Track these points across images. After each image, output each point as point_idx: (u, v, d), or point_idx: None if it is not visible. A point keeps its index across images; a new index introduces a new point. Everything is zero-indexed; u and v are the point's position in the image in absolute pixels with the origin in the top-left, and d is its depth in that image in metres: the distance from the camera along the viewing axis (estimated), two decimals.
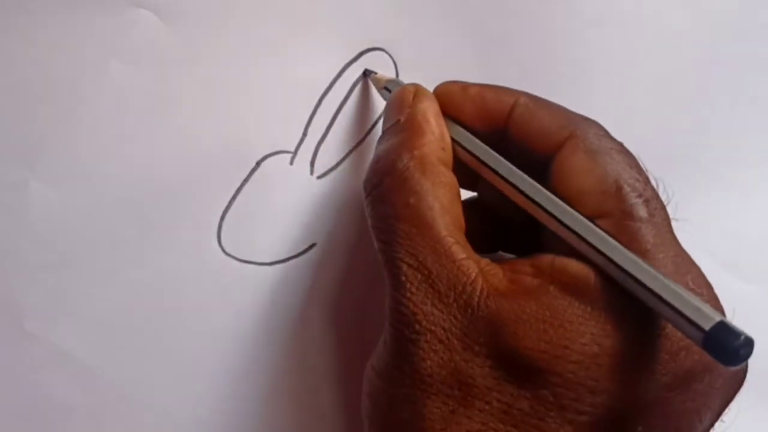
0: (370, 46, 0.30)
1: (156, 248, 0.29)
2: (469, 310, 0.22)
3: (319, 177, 0.31)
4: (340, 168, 0.31)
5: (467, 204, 0.27)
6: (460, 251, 0.23)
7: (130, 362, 0.29)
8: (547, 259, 0.23)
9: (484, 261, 0.24)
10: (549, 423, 0.22)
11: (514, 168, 0.25)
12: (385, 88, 0.29)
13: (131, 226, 0.29)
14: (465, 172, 0.26)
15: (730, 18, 0.34)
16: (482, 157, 0.26)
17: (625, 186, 0.24)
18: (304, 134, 0.30)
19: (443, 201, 0.24)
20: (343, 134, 0.31)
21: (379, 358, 0.24)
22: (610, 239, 0.22)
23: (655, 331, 0.22)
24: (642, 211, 0.23)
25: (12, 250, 0.28)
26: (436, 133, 0.26)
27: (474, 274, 0.23)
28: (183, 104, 0.28)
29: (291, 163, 0.30)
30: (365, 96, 0.30)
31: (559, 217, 0.23)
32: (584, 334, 0.22)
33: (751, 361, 0.20)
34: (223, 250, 0.30)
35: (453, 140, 0.26)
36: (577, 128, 0.25)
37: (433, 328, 0.23)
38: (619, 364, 0.22)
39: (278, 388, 0.31)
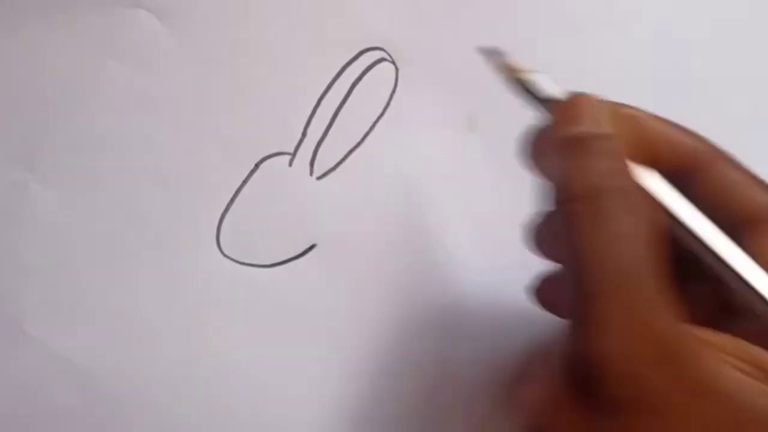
0: (370, 45, 0.30)
1: (155, 250, 0.29)
2: (697, 391, 0.19)
3: (318, 178, 0.30)
4: (340, 169, 0.31)
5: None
6: (670, 313, 0.20)
7: (129, 365, 0.29)
8: None
9: (698, 329, 0.20)
10: None
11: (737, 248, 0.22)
12: (518, 79, 0.25)
13: (130, 227, 0.29)
14: None
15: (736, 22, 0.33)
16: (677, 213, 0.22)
17: None
18: (304, 135, 0.30)
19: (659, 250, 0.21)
20: (343, 135, 0.30)
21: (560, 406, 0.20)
22: None
23: None
24: None
25: (11, 252, 0.28)
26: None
27: (696, 345, 0.19)
28: (181, 105, 0.29)
29: (290, 164, 0.30)
30: (365, 96, 0.30)
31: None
32: None
33: None
34: (222, 252, 0.30)
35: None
36: (715, 147, 0.23)
37: (656, 401, 0.19)
38: None
39: (277, 389, 0.30)
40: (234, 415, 0.30)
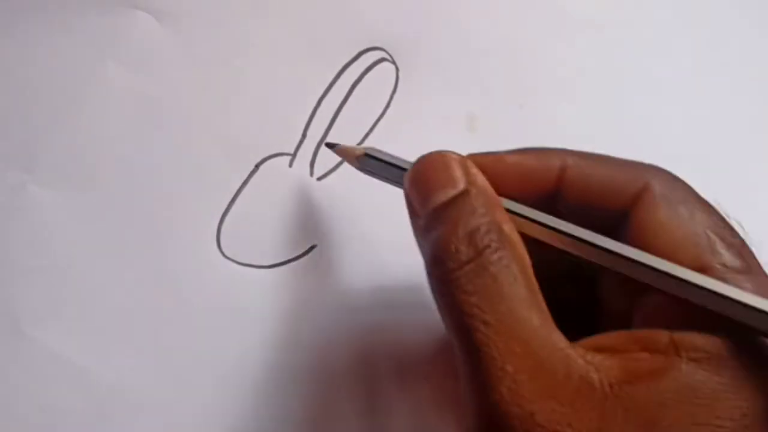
0: (370, 46, 0.30)
1: (155, 251, 0.29)
2: (597, 404, 0.20)
3: (318, 179, 0.30)
4: (340, 170, 0.31)
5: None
6: (562, 339, 0.21)
7: (129, 365, 0.29)
8: (663, 336, 0.21)
9: (580, 348, 0.21)
10: None
11: (583, 229, 0.23)
12: (367, 154, 0.26)
13: (130, 229, 0.29)
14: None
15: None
16: (560, 228, 0.23)
17: (717, 237, 0.22)
18: (304, 136, 0.30)
19: (533, 286, 0.22)
20: (343, 135, 0.30)
21: None
22: (735, 288, 0.21)
23: None
24: (738, 262, 0.22)
25: (10, 253, 0.28)
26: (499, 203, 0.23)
27: (583, 363, 0.20)
28: (181, 106, 0.28)
29: (290, 165, 0.30)
30: (365, 96, 0.30)
31: (676, 274, 0.21)
32: (734, 409, 0.20)
33: None
34: (223, 253, 0.30)
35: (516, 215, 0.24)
36: (650, 179, 0.23)
37: (558, 428, 0.20)
38: None
39: (278, 390, 0.30)
40: (234, 414, 0.30)
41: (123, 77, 0.28)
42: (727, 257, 0.22)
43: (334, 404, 0.31)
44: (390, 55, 0.30)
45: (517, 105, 0.31)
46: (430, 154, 0.24)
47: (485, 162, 0.24)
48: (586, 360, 0.21)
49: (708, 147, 0.34)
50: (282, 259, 0.30)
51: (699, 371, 0.20)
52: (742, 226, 0.23)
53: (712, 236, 0.22)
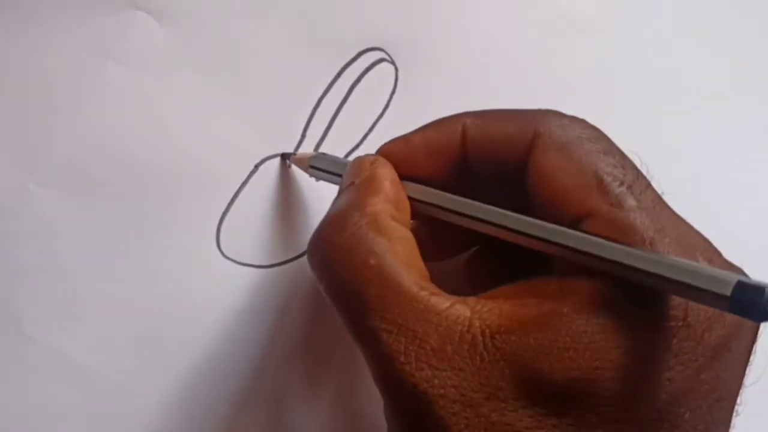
0: (370, 46, 0.30)
1: (155, 251, 0.29)
2: (477, 357, 0.21)
3: (318, 179, 0.30)
4: None
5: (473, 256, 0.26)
6: (442, 301, 0.22)
7: (129, 365, 0.29)
8: (549, 283, 0.22)
9: (473, 299, 0.22)
10: None
11: (476, 203, 0.23)
12: (312, 166, 0.28)
13: (130, 229, 0.29)
14: (456, 233, 0.25)
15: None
16: (444, 204, 0.24)
17: (605, 176, 0.23)
18: (303, 136, 0.30)
19: (404, 256, 0.23)
20: (343, 135, 0.30)
21: None
22: (603, 240, 0.21)
23: (677, 323, 0.21)
24: (629, 200, 0.22)
25: (11, 253, 0.28)
26: (389, 193, 0.24)
27: (467, 319, 0.21)
28: (181, 106, 0.28)
29: (290, 165, 0.30)
30: (365, 96, 0.30)
31: (541, 235, 0.22)
32: (611, 350, 0.21)
33: None
34: (222, 253, 0.30)
35: (413, 199, 0.25)
36: (539, 125, 0.24)
37: (442, 391, 0.21)
38: (652, 367, 0.21)
39: (277, 390, 0.31)
40: (234, 413, 0.30)
41: (123, 77, 0.28)
42: (617, 196, 0.22)
43: (334, 402, 0.31)
44: (389, 56, 0.30)
45: (517, 105, 0.31)
46: (358, 157, 0.26)
47: (396, 148, 0.26)
48: (474, 310, 0.21)
49: (711, 146, 0.34)
50: (281, 259, 0.30)
51: (579, 315, 0.21)
52: (640, 159, 0.24)
53: (602, 176, 0.23)
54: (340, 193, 0.26)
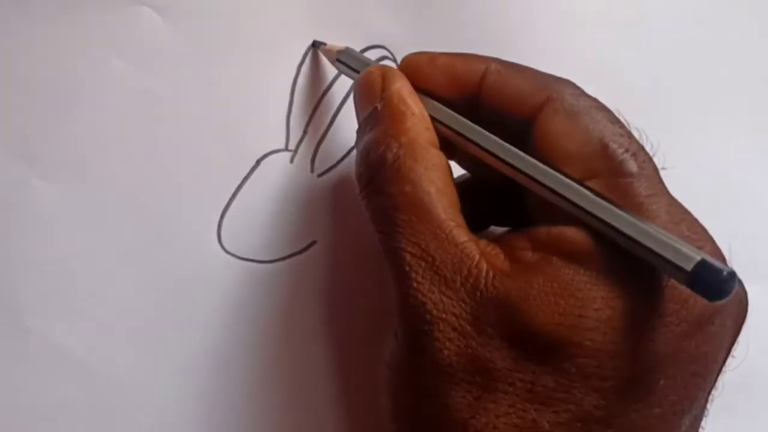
0: (371, 43, 0.30)
1: (156, 246, 0.29)
2: (478, 294, 0.22)
3: (319, 175, 0.31)
4: (341, 166, 0.31)
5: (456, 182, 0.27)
6: (462, 234, 0.23)
7: (130, 360, 0.29)
8: (543, 231, 0.23)
9: (483, 242, 0.23)
10: (575, 394, 0.22)
11: (496, 138, 0.24)
12: (339, 60, 0.29)
13: (131, 223, 0.29)
14: (444, 145, 0.26)
15: None
16: (462, 131, 0.25)
17: (611, 143, 0.23)
18: (305, 132, 0.30)
19: (438, 184, 0.24)
20: (344, 132, 0.31)
21: (393, 354, 0.24)
22: (591, 194, 0.22)
23: (662, 282, 0.22)
24: (631, 166, 0.23)
25: (13, 247, 0.28)
26: (417, 114, 0.25)
27: (477, 257, 0.23)
28: (184, 102, 0.29)
29: (291, 161, 0.30)
30: None
31: (542, 180, 0.23)
32: (595, 300, 0.21)
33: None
34: (224, 248, 0.30)
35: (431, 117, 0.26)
36: (554, 90, 0.25)
37: (444, 316, 0.22)
38: (634, 323, 0.22)
39: (279, 386, 0.31)
40: (235, 409, 0.30)
41: (126, 72, 0.28)
42: (620, 162, 0.23)
43: (334, 398, 0.31)
44: (391, 53, 0.31)
45: None
46: (366, 70, 0.27)
47: (420, 61, 0.27)
48: (483, 252, 0.23)
49: (718, 145, 0.34)
50: (282, 255, 0.30)
51: (568, 264, 0.22)
52: (645, 136, 0.25)
53: (608, 143, 0.24)
54: (365, 119, 0.26)
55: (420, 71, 0.26)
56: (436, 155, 0.25)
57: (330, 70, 0.30)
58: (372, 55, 0.30)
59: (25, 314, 0.28)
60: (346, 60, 0.28)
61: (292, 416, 0.31)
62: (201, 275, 0.30)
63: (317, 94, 0.30)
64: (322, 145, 0.30)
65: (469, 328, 0.22)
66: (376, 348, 0.26)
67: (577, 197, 0.22)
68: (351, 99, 0.30)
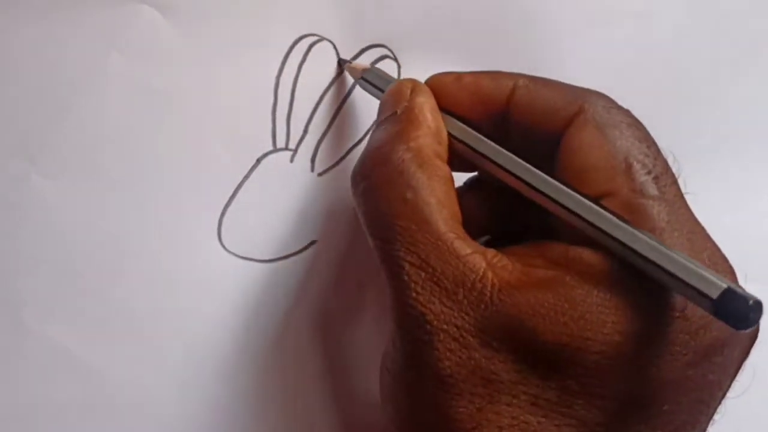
0: (372, 42, 0.30)
1: (156, 244, 0.29)
2: (482, 306, 0.22)
3: (319, 174, 0.31)
4: (341, 165, 0.31)
5: (464, 187, 0.27)
6: (464, 247, 0.23)
7: (129, 358, 0.29)
8: (559, 248, 0.23)
9: (491, 253, 0.23)
10: (577, 410, 0.22)
11: (517, 158, 0.24)
12: (363, 78, 0.29)
13: (131, 221, 0.29)
14: (465, 163, 0.26)
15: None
16: (482, 150, 0.25)
17: (635, 162, 0.23)
18: (305, 131, 0.30)
19: (440, 195, 0.24)
20: (344, 132, 0.31)
21: (393, 361, 0.24)
22: (615, 218, 0.22)
23: (674, 312, 0.22)
24: (652, 189, 0.23)
25: (13, 244, 0.28)
26: (432, 126, 0.25)
27: (482, 269, 0.22)
28: (184, 100, 0.28)
29: (291, 160, 0.30)
30: (367, 93, 0.30)
31: (562, 201, 0.23)
32: (605, 324, 0.21)
33: None
34: (224, 247, 0.30)
35: (450, 135, 0.26)
36: (585, 102, 0.24)
37: (445, 327, 0.22)
38: (642, 349, 0.21)
39: (278, 385, 0.31)
40: (234, 409, 0.30)
41: (126, 70, 0.28)
42: (641, 183, 0.23)
43: (335, 396, 0.31)
44: (392, 52, 0.31)
45: None
46: (398, 81, 0.27)
47: (445, 81, 0.27)
48: (489, 263, 0.23)
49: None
50: (282, 254, 0.30)
51: (581, 285, 0.22)
52: (674, 156, 0.24)
53: (632, 162, 0.23)
54: (381, 121, 0.26)
55: (445, 91, 0.26)
56: (440, 167, 0.25)
57: (331, 69, 0.30)
58: (372, 54, 0.30)
59: (24, 311, 0.28)
60: (370, 78, 0.28)
61: (291, 416, 0.31)
62: (201, 274, 0.30)
63: (318, 94, 0.30)
64: (323, 145, 0.30)
65: (471, 339, 0.22)
66: (377, 348, 0.26)
67: (599, 221, 0.22)
68: (351, 99, 0.30)
